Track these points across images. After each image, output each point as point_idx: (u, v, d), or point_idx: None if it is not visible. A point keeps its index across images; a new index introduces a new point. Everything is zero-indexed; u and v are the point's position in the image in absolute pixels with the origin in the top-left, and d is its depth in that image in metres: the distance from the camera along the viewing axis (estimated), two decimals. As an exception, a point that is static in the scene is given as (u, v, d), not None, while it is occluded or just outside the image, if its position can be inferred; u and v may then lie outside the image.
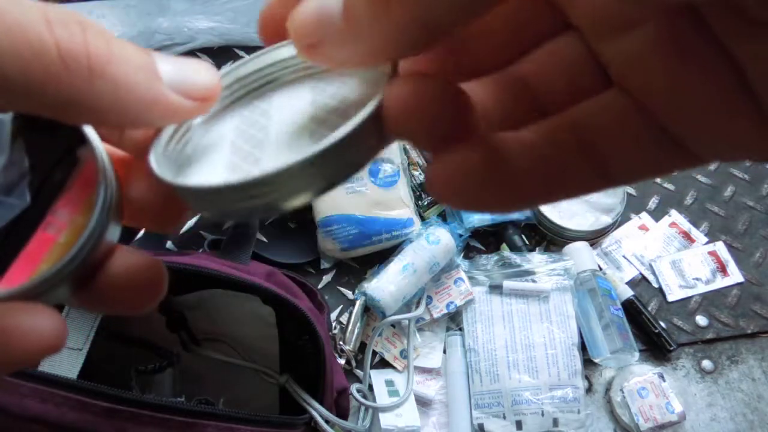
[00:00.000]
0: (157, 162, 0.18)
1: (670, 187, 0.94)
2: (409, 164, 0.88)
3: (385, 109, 0.15)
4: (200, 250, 0.79)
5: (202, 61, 0.18)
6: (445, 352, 0.79)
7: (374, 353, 0.78)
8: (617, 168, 0.16)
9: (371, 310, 0.79)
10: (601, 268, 0.85)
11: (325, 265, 0.83)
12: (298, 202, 0.16)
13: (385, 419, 0.71)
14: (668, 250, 0.89)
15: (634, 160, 0.16)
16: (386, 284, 0.75)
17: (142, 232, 0.69)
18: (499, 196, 0.16)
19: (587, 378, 0.79)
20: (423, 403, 0.76)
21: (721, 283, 0.87)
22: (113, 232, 0.18)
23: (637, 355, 0.76)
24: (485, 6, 0.14)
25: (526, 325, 0.78)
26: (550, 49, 0.17)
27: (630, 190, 0.92)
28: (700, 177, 0.95)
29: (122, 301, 0.19)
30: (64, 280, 0.17)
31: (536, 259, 0.82)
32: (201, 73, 0.18)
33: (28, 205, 0.18)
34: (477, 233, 0.87)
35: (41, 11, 0.15)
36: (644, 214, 0.92)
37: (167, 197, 0.19)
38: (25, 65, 0.14)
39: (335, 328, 0.78)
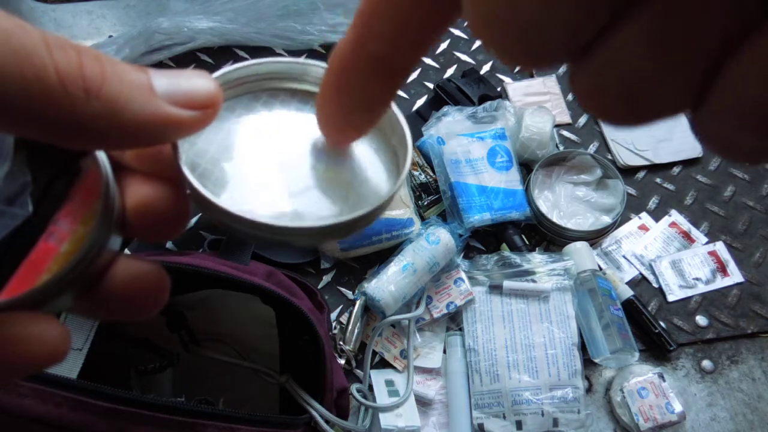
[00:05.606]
0: (198, 180, 0.18)
1: (670, 187, 0.94)
2: (409, 164, 0.88)
3: None
4: (200, 250, 0.78)
5: (198, 70, 0.18)
6: (445, 352, 0.79)
7: (374, 353, 0.78)
8: None
9: (371, 310, 0.79)
10: (601, 268, 0.85)
11: (325, 265, 0.83)
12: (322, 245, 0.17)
13: (385, 419, 0.70)
14: (668, 250, 0.89)
15: None
16: (386, 284, 0.75)
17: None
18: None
19: (587, 378, 0.79)
20: (423, 403, 0.76)
21: (721, 283, 0.87)
22: (115, 242, 0.18)
23: (637, 355, 0.76)
24: None
25: (526, 325, 0.78)
26: None
27: (630, 190, 0.92)
28: (700, 177, 0.95)
29: (125, 308, 0.19)
30: (66, 289, 0.17)
31: (536, 259, 0.82)
32: (197, 81, 0.18)
33: (30, 215, 0.18)
34: (477, 233, 0.87)
35: (41, 35, 0.15)
36: (644, 214, 0.91)
37: (170, 208, 0.19)
38: (27, 87, 0.14)
39: (335, 328, 0.78)
